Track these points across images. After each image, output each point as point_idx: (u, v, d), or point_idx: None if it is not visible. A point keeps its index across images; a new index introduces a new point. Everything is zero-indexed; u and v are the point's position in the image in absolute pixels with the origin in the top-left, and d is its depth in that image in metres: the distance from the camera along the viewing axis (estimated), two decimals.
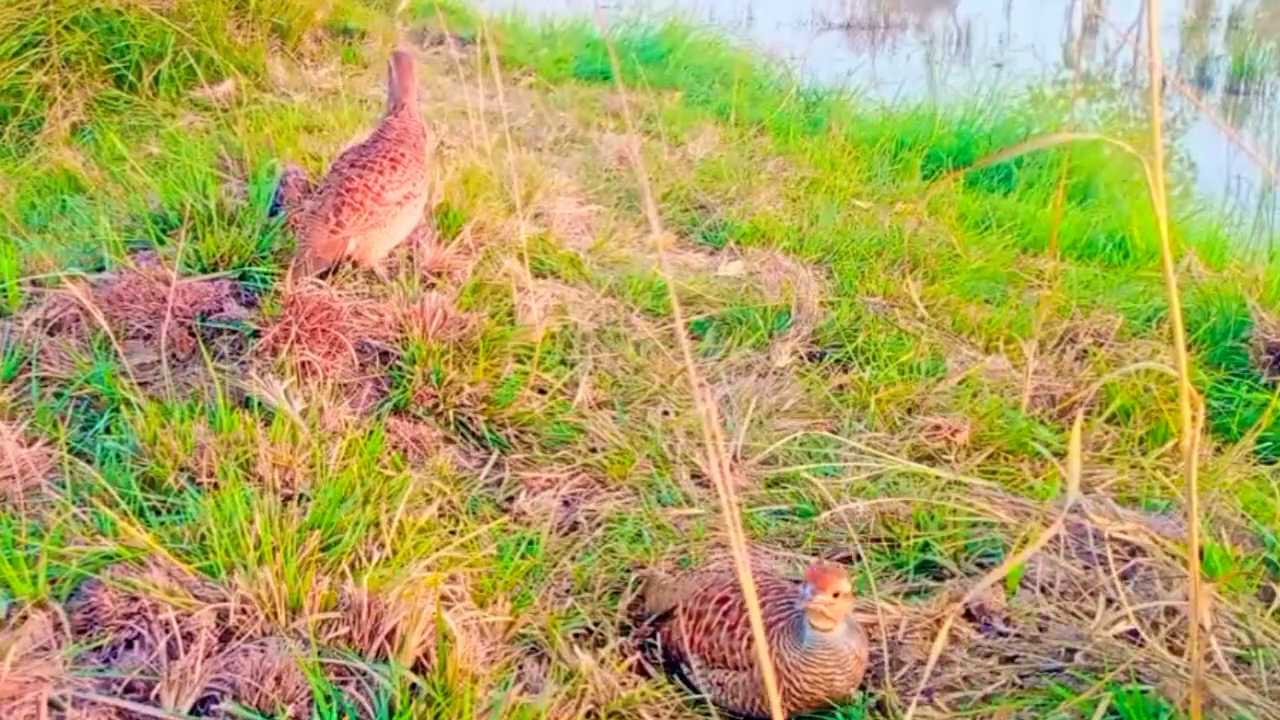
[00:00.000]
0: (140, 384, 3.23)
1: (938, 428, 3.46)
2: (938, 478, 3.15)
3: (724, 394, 3.65)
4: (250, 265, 3.80)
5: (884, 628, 2.57)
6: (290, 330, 3.37)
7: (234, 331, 3.51)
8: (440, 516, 2.92)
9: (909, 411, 3.60)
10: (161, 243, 3.96)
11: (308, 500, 2.71)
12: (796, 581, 2.39)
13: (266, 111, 5.90)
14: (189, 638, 2.27)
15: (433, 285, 3.91)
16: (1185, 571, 2.66)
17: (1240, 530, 2.93)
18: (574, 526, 3.05)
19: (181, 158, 4.85)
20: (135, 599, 2.32)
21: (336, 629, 2.31)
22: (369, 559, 2.53)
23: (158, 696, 2.16)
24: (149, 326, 3.49)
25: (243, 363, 3.38)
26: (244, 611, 2.33)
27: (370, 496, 2.75)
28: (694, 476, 3.24)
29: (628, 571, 2.82)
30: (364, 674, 2.24)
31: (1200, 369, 3.91)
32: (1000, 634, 2.59)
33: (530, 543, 2.92)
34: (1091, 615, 2.59)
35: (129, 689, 2.19)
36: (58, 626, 2.30)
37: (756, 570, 2.61)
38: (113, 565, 2.42)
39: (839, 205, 5.52)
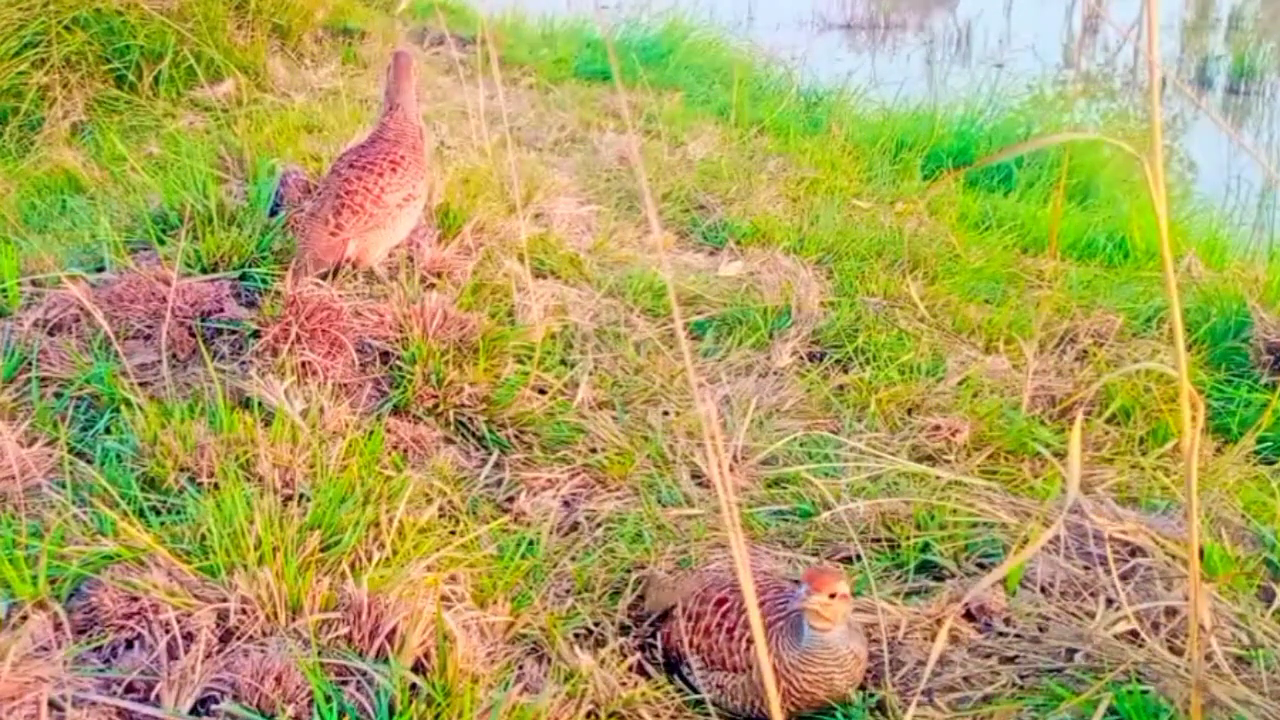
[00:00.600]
0: (140, 384, 3.23)
1: (938, 428, 3.46)
2: (938, 478, 3.15)
3: (724, 394, 3.65)
4: (250, 265, 3.80)
5: (884, 628, 2.57)
6: (290, 330, 3.37)
7: (234, 332, 3.51)
8: (440, 517, 2.92)
9: (909, 412, 3.60)
10: (162, 243, 3.96)
11: (308, 500, 2.72)
12: (796, 582, 2.39)
13: (267, 112, 5.91)
14: (189, 638, 2.27)
15: (433, 285, 3.91)
16: (1185, 571, 2.66)
17: (1240, 530, 2.93)
18: (574, 527, 3.05)
19: (182, 158, 4.85)
20: (135, 599, 2.33)
21: (336, 629, 2.31)
22: (369, 559, 2.53)
23: (158, 696, 2.16)
24: (149, 326, 3.49)
25: (243, 363, 3.38)
26: (244, 612, 2.33)
27: (370, 496, 2.75)
28: (694, 477, 3.24)
29: (628, 572, 2.82)
30: (364, 674, 2.24)
31: (1200, 369, 3.90)
32: (1000, 634, 2.59)
33: (530, 543, 2.92)
34: (1091, 615, 2.59)
35: (129, 689, 2.19)
36: (58, 626, 2.30)
37: (756, 570, 2.61)
38: (113, 565, 2.42)
39: (839, 205, 5.52)
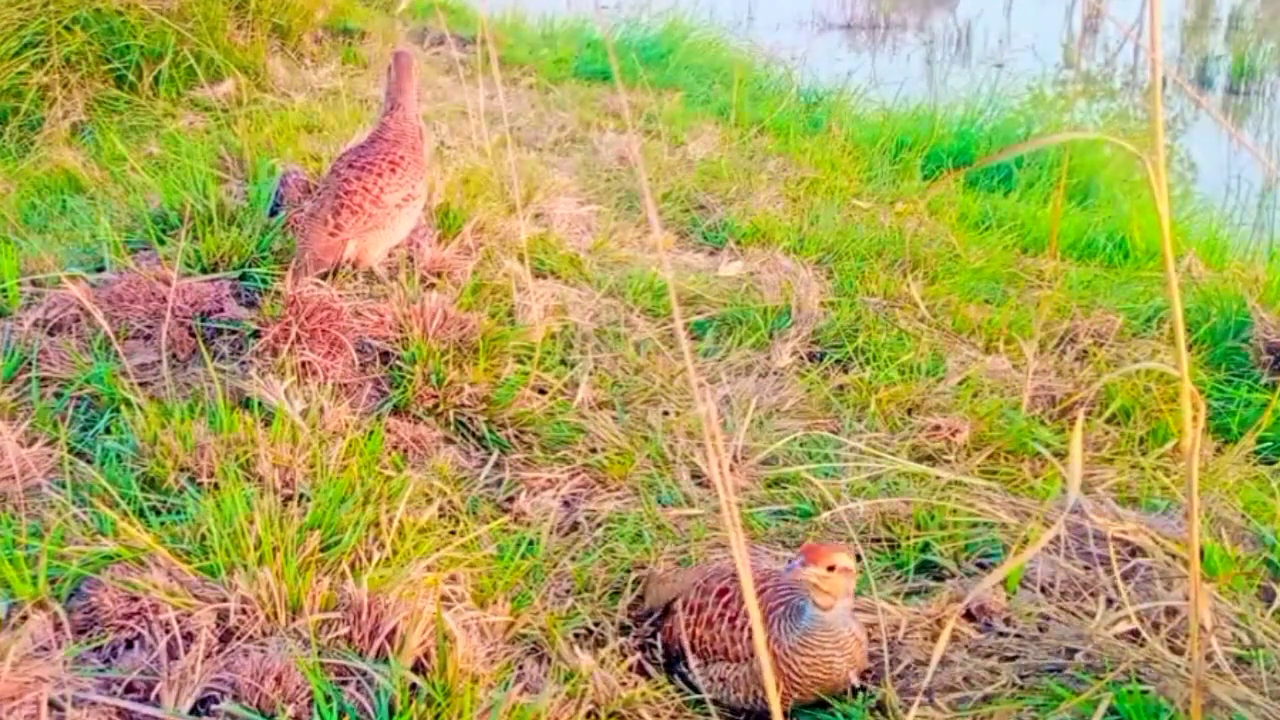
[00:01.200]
0: (140, 384, 3.23)
1: (938, 428, 3.46)
2: (938, 478, 3.15)
3: (724, 394, 3.65)
4: (250, 266, 3.80)
5: (884, 628, 2.57)
6: (290, 330, 3.37)
7: (234, 332, 3.51)
8: (440, 517, 2.92)
9: (909, 412, 3.60)
10: (162, 243, 3.96)
11: (308, 500, 2.71)
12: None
13: (267, 112, 5.91)
14: (189, 638, 2.27)
15: (433, 285, 3.91)
16: (1185, 571, 2.66)
17: (1240, 530, 2.93)
18: (574, 527, 3.05)
19: (182, 158, 4.85)
20: (135, 599, 2.33)
21: (336, 629, 2.31)
22: (369, 559, 2.53)
23: (158, 696, 2.16)
24: (149, 326, 3.49)
25: (243, 363, 3.38)
26: (244, 612, 2.33)
27: (370, 497, 2.75)
28: (694, 477, 3.24)
29: (628, 572, 2.82)
30: (364, 674, 2.24)
31: (1200, 369, 3.90)
32: (1000, 634, 2.59)
33: (530, 543, 2.92)
34: (1091, 615, 2.59)
35: (129, 689, 2.19)
36: (58, 626, 2.30)
37: (756, 569, 2.61)
38: (113, 565, 2.42)
39: (839, 205, 5.52)
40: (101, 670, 2.23)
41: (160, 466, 2.81)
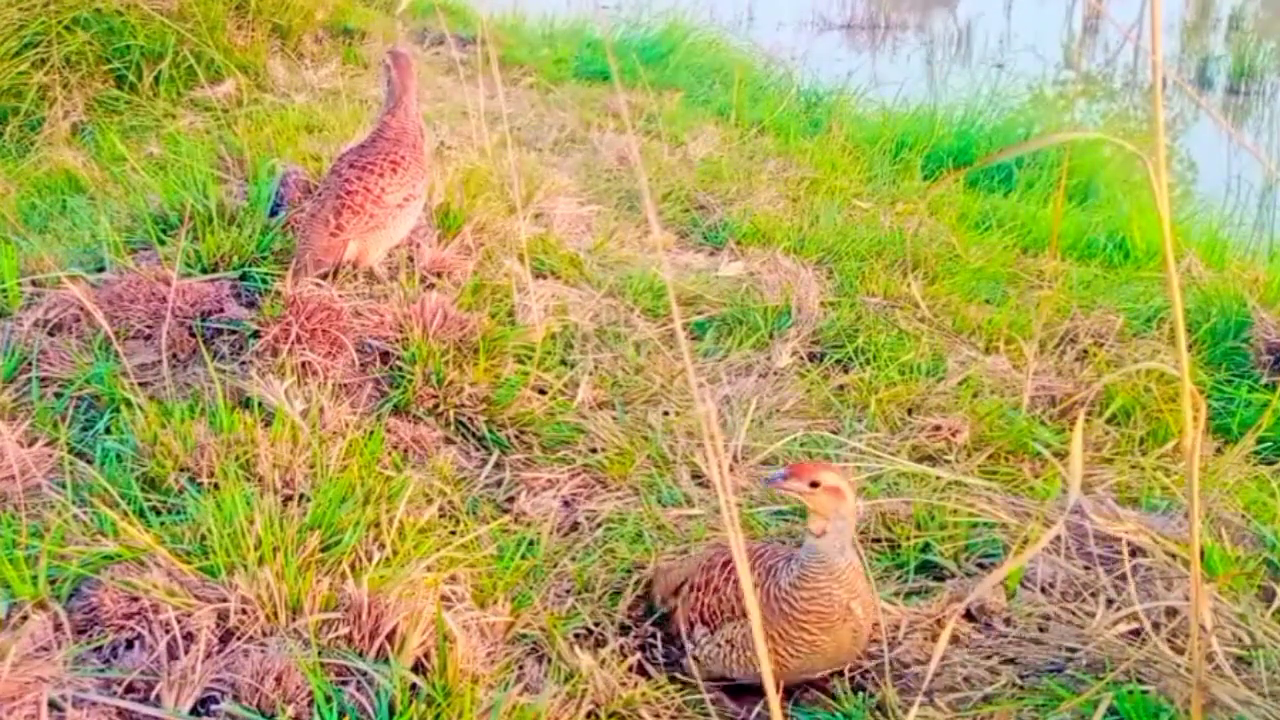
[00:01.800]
0: (140, 384, 3.23)
1: (938, 428, 3.46)
2: (938, 478, 3.15)
3: (724, 394, 3.65)
4: (251, 266, 3.80)
5: (884, 628, 2.57)
6: (291, 330, 3.37)
7: (234, 332, 3.51)
8: (440, 517, 2.92)
9: (909, 412, 3.60)
10: (162, 243, 3.96)
11: (308, 500, 2.71)
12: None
13: (267, 112, 5.90)
14: (189, 638, 2.27)
15: (433, 285, 3.91)
16: (1186, 572, 2.66)
17: (1240, 530, 2.93)
18: (574, 527, 3.05)
19: (182, 158, 4.85)
20: (135, 599, 2.32)
21: (337, 629, 2.31)
22: (369, 559, 2.53)
23: (158, 697, 2.16)
24: (149, 327, 3.49)
25: (243, 363, 3.38)
26: (244, 612, 2.33)
27: (370, 497, 2.75)
28: (694, 477, 3.24)
29: (628, 572, 2.82)
30: (364, 674, 2.24)
31: (1201, 369, 3.90)
32: (1001, 634, 2.59)
33: (530, 543, 2.92)
34: (1092, 615, 2.59)
35: (129, 689, 2.19)
36: (58, 626, 2.30)
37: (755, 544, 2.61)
38: (113, 565, 2.42)
39: (839, 206, 5.52)
40: (101, 670, 2.23)
41: (160, 466, 2.81)
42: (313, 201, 3.83)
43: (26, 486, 2.78)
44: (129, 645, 2.29)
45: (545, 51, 8.89)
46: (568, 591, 2.77)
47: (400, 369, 3.43)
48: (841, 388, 3.76)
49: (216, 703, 2.17)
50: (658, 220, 5.29)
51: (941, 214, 5.58)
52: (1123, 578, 2.69)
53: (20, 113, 6.17)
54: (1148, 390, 3.62)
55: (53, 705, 2.11)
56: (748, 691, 2.50)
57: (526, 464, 3.27)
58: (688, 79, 8.25)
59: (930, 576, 2.83)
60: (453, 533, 2.87)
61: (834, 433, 3.47)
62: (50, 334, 3.48)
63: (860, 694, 2.45)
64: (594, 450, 3.33)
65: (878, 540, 2.96)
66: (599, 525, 3.04)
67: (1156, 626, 2.51)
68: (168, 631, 2.27)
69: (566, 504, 3.14)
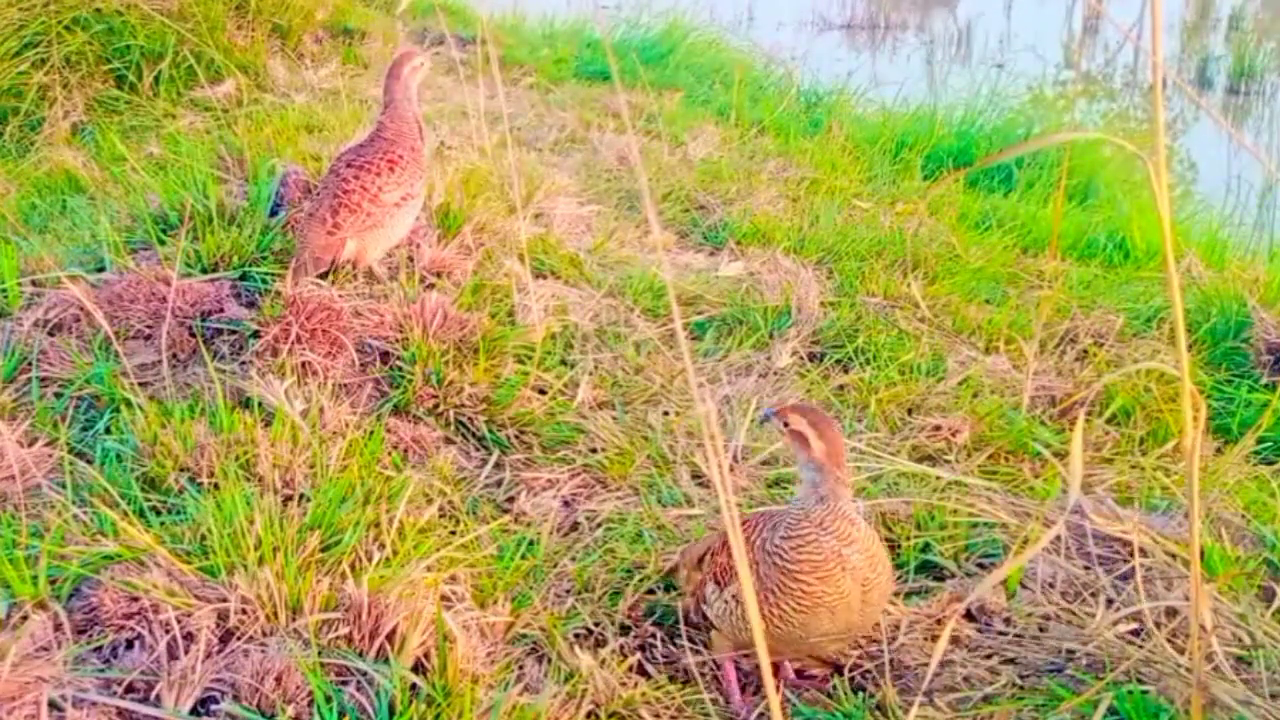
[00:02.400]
0: (140, 384, 3.23)
1: (938, 428, 3.46)
2: (938, 478, 3.15)
3: (724, 394, 3.65)
4: (251, 266, 3.80)
5: (884, 628, 2.57)
6: (291, 330, 3.37)
7: (234, 332, 3.51)
8: (440, 517, 2.92)
9: (909, 412, 3.60)
10: (162, 243, 3.96)
11: (308, 500, 2.71)
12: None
13: (267, 112, 5.90)
14: (189, 638, 2.27)
15: (433, 285, 3.91)
16: (1185, 572, 2.66)
17: (1240, 530, 2.93)
18: (574, 527, 3.05)
19: (182, 158, 4.85)
20: (135, 599, 2.32)
21: (337, 629, 2.31)
22: (369, 559, 2.53)
23: (158, 697, 2.16)
24: (149, 327, 3.49)
25: (243, 363, 3.38)
26: (244, 612, 2.33)
27: (370, 497, 2.75)
28: (694, 477, 3.24)
29: (628, 572, 2.82)
30: (364, 674, 2.24)
31: (1201, 369, 3.90)
32: (1001, 634, 2.59)
33: (530, 543, 2.92)
34: (1092, 615, 2.59)
35: (129, 689, 2.19)
36: (58, 626, 2.30)
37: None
38: (113, 565, 2.42)
39: (839, 206, 5.52)
40: (101, 670, 2.23)
41: (160, 466, 2.81)
42: (311, 201, 3.83)
43: (26, 486, 2.78)
44: (129, 645, 2.29)
45: (545, 51, 8.89)
46: (568, 591, 2.77)
47: (400, 369, 3.43)
48: (841, 388, 3.76)
49: (216, 703, 2.17)
50: (658, 220, 5.29)
51: (941, 214, 5.58)
52: (1123, 578, 2.69)
53: (20, 113, 6.17)
54: (1148, 390, 3.62)
55: (53, 705, 2.11)
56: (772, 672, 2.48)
57: (526, 464, 3.28)
58: (688, 79, 8.25)
59: (930, 576, 2.83)
60: (453, 533, 2.87)
61: None
62: (50, 334, 3.48)
63: (860, 694, 2.45)
64: (594, 450, 3.33)
65: None
66: (599, 525, 3.04)
67: (1156, 626, 2.51)
68: (168, 631, 2.27)
69: (566, 504, 3.14)
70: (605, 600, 2.73)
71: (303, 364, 3.33)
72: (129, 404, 3.09)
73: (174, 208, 4.14)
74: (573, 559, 2.89)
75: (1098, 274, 4.89)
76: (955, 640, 2.57)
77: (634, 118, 6.79)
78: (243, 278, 3.76)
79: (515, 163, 4.97)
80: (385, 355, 3.49)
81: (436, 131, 5.71)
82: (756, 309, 4.16)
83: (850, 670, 2.53)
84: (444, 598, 2.53)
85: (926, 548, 2.88)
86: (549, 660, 2.50)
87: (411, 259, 3.99)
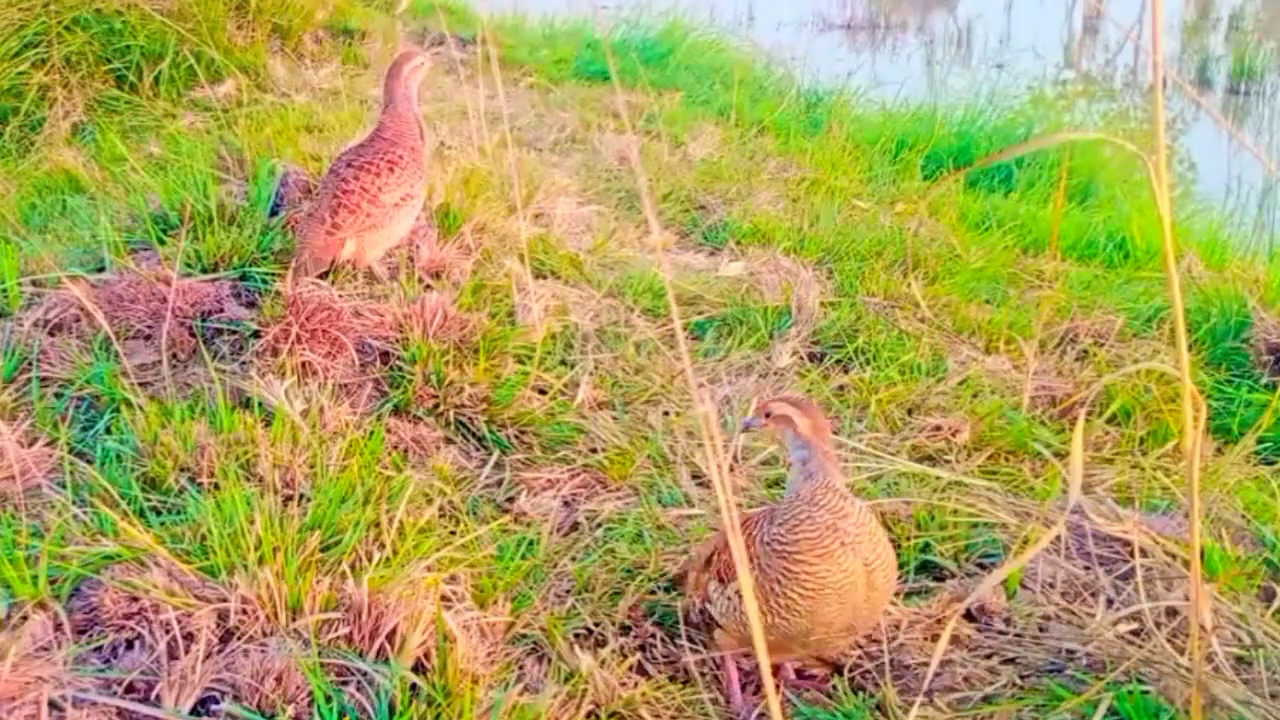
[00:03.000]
0: (141, 384, 3.23)
1: (938, 428, 3.46)
2: (938, 478, 3.15)
3: (724, 394, 3.65)
4: (251, 266, 3.80)
5: (884, 628, 2.57)
6: (291, 331, 3.37)
7: (234, 332, 3.51)
8: (440, 517, 2.92)
9: (909, 412, 3.60)
10: (162, 243, 3.96)
11: (308, 500, 2.71)
12: None
13: (267, 112, 5.90)
14: (189, 638, 2.27)
15: (432, 286, 3.91)
16: (1186, 572, 2.66)
17: (1240, 530, 2.93)
18: (574, 527, 3.05)
19: (182, 158, 4.85)
20: (136, 599, 2.32)
21: (337, 629, 2.31)
22: (369, 559, 2.53)
23: (158, 697, 2.16)
24: (149, 327, 3.49)
25: (243, 363, 3.38)
26: (244, 612, 2.33)
27: (370, 497, 2.75)
28: (694, 477, 3.24)
29: (628, 572, 2.82)
30: (364, 674, 2.24)
31: (1201, 369, 3.90)
32: (1001, 634, 2.59)
33: (531, 543, 2.92)
34: (1092, 615, 2.59)
35: (129, 689, 2.19)
36: (58, 626, 2.30)
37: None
38: (113, 565, 2.42)
39: (839, 206, 5.52)
40: (101, 670, 2.23)
41: (160, 466, 2.81)
42: (312, 201, 3.83)
43: (26, 486, 2.78)
44: (129, 645, 2.29)
45: (545, 51, 8.89)
46: (568, 591, 2.77)
47: (400, 369, 3.43)
48: (841, 388, 3.76)
49: (216, 703, 2.17)
50: (658, 220, 5.29)
51: (942, 214, 5.58)
52: (1123, 578, 2.69)
53: (20, 113, 6.17)
54: (1148, 390, 3.62)
55: (53, 705, 2.11)
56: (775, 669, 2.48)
57: (526, 464, 3.28)
58: (688, 79, 8.25)
59: (930, 576, 2.83)
60: (453, 533, 2.87)
61: (834, 433, 3.46)
62: (50, 334, 3.48)
63: (860, 694, 2.45)
64: (594, 450, 3.33)
65: None
66: (599, 525, 3.04)
67: (1157, 626, 2.51)
68: (168, 631, 2.27)
69: (566, 504, 3.14)
70: (605, 600, 2.73)
71: (303, 364, 3.33)
72: (129, 404, 3.09)
73: (174, 208, 4.14)
74: (573, 559, 2.89)
75: (1098, 274, 4.89)
76: (955, 640, 2.57)
77: (634, 118, 6.80)
78: (243, 278, 3.76)
79: (515, 163, 4.97)
80: (385, 355, 3.49)
81: (436, 132, 5.71)
82: (756, 309, 4.16)
83: (850, 670, 2.53)
84: (444, 598, 2.53)
85: (926, 548, 2.88)
86: (549, 660, 2.50)
87: (411, 259, 3.99)
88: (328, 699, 2.16)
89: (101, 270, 3.84)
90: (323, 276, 3.72)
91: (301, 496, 2.76)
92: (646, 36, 9.15)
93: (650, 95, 7.07)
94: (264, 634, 2.30)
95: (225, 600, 2.34)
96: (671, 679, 2.51)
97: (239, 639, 2.29)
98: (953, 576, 2.80)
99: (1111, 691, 2.29)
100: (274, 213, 4.18)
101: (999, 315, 4.25)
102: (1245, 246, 5.48)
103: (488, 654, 2.44)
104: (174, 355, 3.43)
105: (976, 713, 2.37)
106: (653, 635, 2.62)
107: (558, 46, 9.12)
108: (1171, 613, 2.56)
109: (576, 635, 2.60)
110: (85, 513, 2.64)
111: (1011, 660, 2.51)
